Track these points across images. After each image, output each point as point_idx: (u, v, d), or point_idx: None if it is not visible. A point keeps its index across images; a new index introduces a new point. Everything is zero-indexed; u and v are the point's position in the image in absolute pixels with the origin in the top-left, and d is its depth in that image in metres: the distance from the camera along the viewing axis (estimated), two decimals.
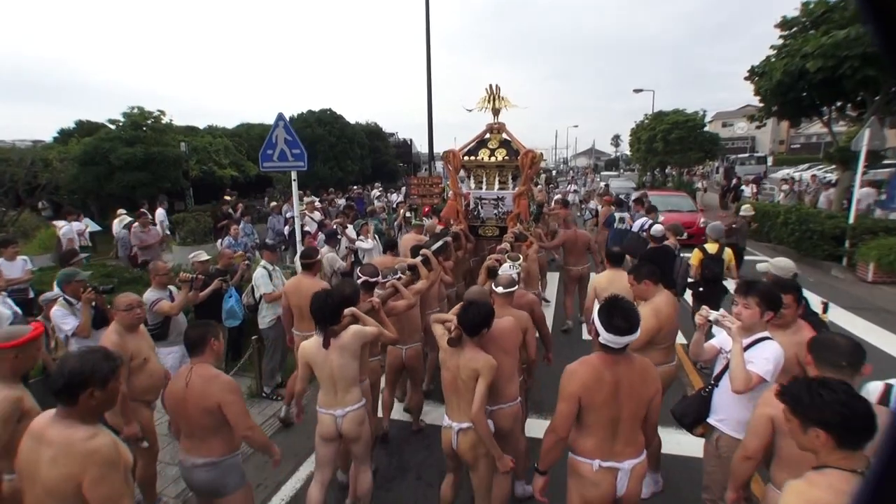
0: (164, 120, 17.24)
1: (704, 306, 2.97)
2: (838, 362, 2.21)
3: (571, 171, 53.54)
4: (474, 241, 6.79)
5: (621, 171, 45.07)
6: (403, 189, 16.59)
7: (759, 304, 2.67)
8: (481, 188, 6.93)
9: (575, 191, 23.58)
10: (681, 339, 4.53)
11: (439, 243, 5.18)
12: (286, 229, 10.42)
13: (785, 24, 12.52)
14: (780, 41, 12.55)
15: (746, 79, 13.55)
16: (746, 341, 2.64)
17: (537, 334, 3.78)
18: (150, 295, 4.28)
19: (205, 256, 5.45)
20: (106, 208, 15.31)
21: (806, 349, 2.39)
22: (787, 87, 11.82)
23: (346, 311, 3.18)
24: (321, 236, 8.16)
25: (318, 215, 10.72)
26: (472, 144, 7.03)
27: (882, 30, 0.55)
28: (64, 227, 8.79)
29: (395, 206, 12.20)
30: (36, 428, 1.96)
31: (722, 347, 2.90)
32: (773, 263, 4.41)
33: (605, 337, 2.35)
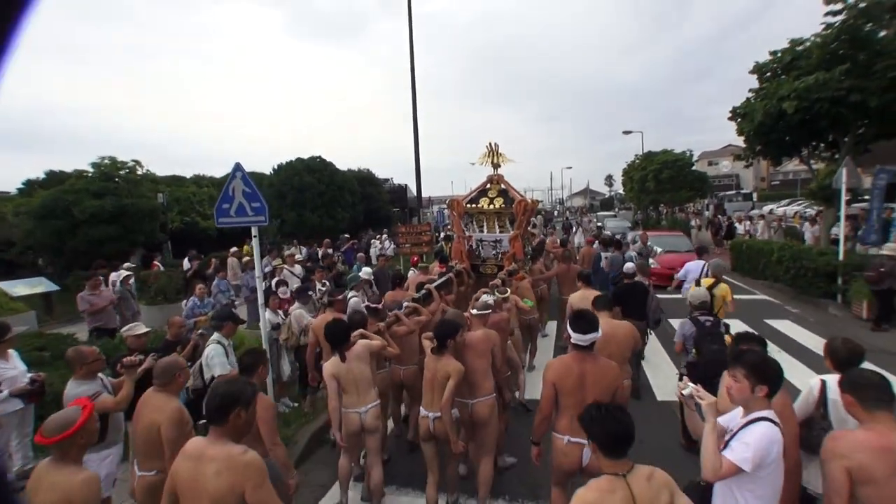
0: (141, 170, 16.64)
1: (685, 378, 2.56)
2: (884, 398, 2.25)
3: (567, 214, 53.92)
4: (475, 278, 7.56)
5: (617, 210, 45.54)
6: (381, 239, 16.07)
7: (747, 376, 2.29)
8: (482, 231, 7.99)
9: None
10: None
11: (442, 279, 6.25)
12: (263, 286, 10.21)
13: (758, 69, 12.87)
14: (758, 84, 12.87)
15: (730, 119, 13.83)
16: (742, 420, 2.29)
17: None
18: (74, 391, 3.50)
19: (141, 329, 4.61)
20: (72, 266, 14.44)
21: (841, 390, 2.41)
22: (769, 127, 12.04)
23: (355, 333, 3.96)
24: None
25: (299, 269, 10.45)
26: (473, 194, 8.15)
27: None
28: None
29: (376, 257, 11.90)
30: (193, 450, 2.28)
31: (728, 426, 2.40)
32: (689, 294, 5.00)
33: (574, 337, 3.13)
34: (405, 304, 4.99)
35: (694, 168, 26.35)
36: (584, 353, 3.16)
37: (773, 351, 7.37)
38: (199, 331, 5.61)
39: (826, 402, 2.90)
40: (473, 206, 8.06)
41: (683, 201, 26.89)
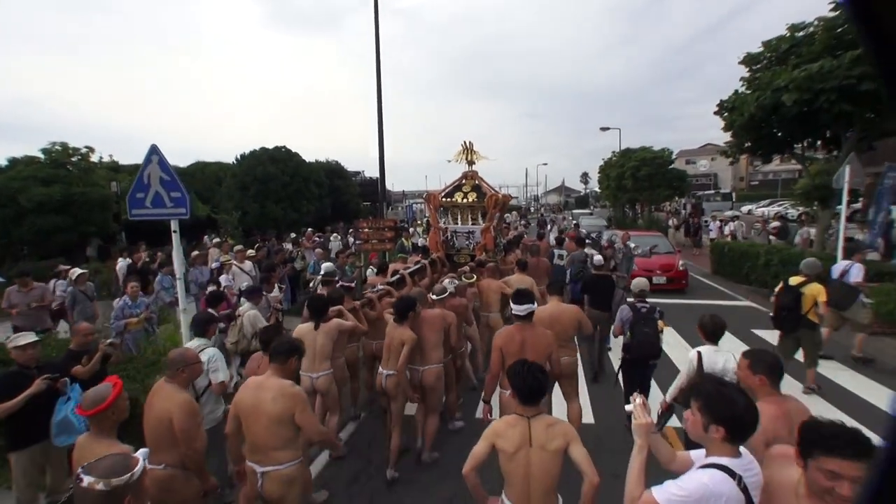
0: (95, 157, 15.54)
1: (635, 395, 2.24)
2: (780, 377, 2.63)
3: (542, 211, 53.84)
4: (449, 266, 8.03)
5: (592, 208, 45.11)
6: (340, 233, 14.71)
7: (700, 410, 1.93)
8: (457, 223, 8.54)
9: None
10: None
11: (415, 266, 6.95)
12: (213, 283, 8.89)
13: (750, 59, 12.05)
14: (748, 75, 12.07)
15: (716, 113, 12.98)
16: (699, 462, 1.97)
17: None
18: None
19: (25, 340, 3.80)
20: (16, 257, 13.53)
21: (753, 371, 2.63)
22: (761, 121, 11.19)
23: (333, 308, 4.58)
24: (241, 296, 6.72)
25: (249, 266, 9.21)
26: (449, 188, 8.64)
27: (879, 50, 0.54)
28: None
29: (334, 253, 10.63)
30: (253, 383, 3.03)
31: (695, 462, 2.07)
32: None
33: (515, 308, 3.85)
34: (379, 286, 5.73)
35: (673, 166, 25.75)
36: (525, 324, 3.87)
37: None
38: (109, 340, 4.61)
39: (702, 371, 3.55)
40: (449, 199, 8.54)
41: (662, 200, 26.25)
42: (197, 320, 4.31)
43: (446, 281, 5.42)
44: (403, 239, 12.25)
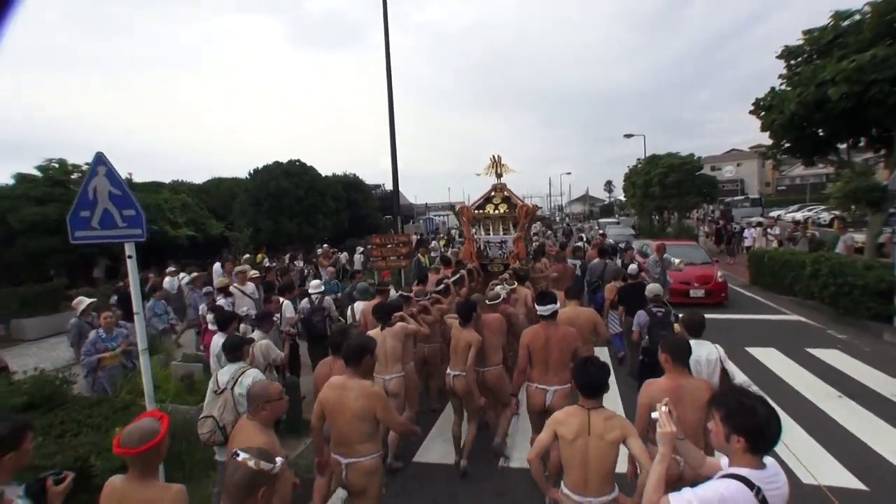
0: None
1: (665, 403, 2.15)
2: (684, 358, 3.21)
3: (567, 220, 53.25)
4: (483, 276, 8.29)
5: (617, 216, 44.01)
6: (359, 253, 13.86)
7: (722, 420, 1.89)
8: (489, 234, 8.94)
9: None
10: None
11: (455, 276, 7.03)
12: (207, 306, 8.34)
13: (788, 53, 11.15)
14: (786, 71, 11.18)
15: (751, 112, 12.06)
16: (720, 472, 1.94)
17: None
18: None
19: None
20: (8, 281, 12.89)
21: (661, 350, 3.24)
22: (802, 119, 10.26)
23: (396, 314, 4.87)
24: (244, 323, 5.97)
25: (251, 288, 8.63)
26: (480, 201, 9.08)
27: None
28: None
29: (350, 274, 9.99)
30: (336, 383, 3.25)
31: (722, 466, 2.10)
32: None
33: (540, 309, 4.17)
34: (430, 295, 5.97)
35: (700, 172, 24.67)
36: (549, 322, 4.13)
37: (833, 395, 6.37)
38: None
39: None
40: (481, 211, 9.01)
41: (691, 207, 25.13)
42: (228, 346, 4.08)
43: (498, 287, 5.74)
44: (420, 255, 11.62)
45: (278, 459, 1.97)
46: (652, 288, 5.78)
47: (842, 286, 9.90)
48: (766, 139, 12.96)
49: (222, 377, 3.86)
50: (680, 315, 5.10)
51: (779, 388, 6.61)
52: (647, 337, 5.25)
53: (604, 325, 5.26)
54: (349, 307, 6.91)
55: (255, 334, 5.19)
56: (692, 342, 3.80)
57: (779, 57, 11.24)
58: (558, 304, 4.26)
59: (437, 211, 50.49)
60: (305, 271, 12.49)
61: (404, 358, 4.79)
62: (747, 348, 8.43)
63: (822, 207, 31.19)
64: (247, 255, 14.28)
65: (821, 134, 11.10)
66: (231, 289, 8.39)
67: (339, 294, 9.20)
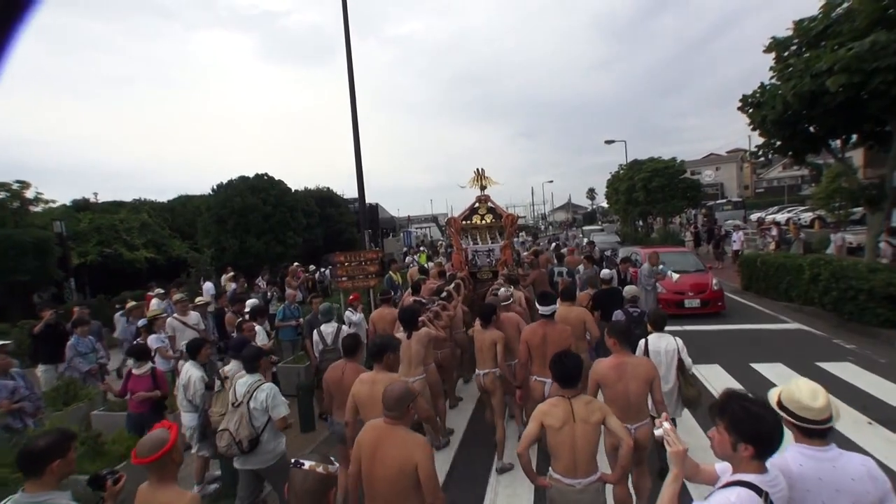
0: (30, 194, 13.51)
1: (664, 417, 2.22)
2: (629, 340, 3.88)
3: (551, 230, 53.78)
4: (473, 283, 8.58)
5: (601, 223, 43.91)
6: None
7: (728, 430, 1.85)
8: (477, 244, 9.17)
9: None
10: None
11: (453, 284, 7.17)
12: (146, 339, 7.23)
13: (776, 45, 10.52)
14: (775, 62, 10.54)
15: (739, 109, 11.38)
16: (723, 480, 1.95)
17: None
18: None
19: None
20: None
21: (608, 335, 3.87)
22: (796, 114, 9.59)
23: (420, 318, 5.13)
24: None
25: (195, 318, 7.57)
26: (466, 212, 9.44)
27: None
28: None
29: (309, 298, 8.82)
30: (367, 378, 3.60)
31: (720, 476, 2.07)
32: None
33: (541, 309, 4.65)
34: (437, 301, 6.17)
35: (684, 176, 24.21)
36: (547, 320, 4.66)
37: (861, 421, 5.59)
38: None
39: (649, 353, 4.48)
40: (468, 222, 9.34)
41: (676, 211, 24.64)
42: (247, 357, 4.04)
43: (502, 289, 6.14)
44: (391, 272, 10.63)
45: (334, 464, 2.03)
46: (630, 289, 6.30)
47: (845, 291, 9.22)
48: (743, 143, 12.51)
49: (239, 389, 3.86)
50: (647, 313, 5.71)
51: None
52: None
53: (594, 323, 5.52)
54: (314, 332, 6.19)
55: (232, 365, 4.52)
56: (652, 336, 4.63)
57: (766, 50, 10.60)
58: (557, 306, 4.85)
59: (419, 223, 49.50)
60: (269, 294, 11.38)
61: (426, 360, 5.05)
62: (752, 364, 7.67)
63: (803, 208, 31.24)
64: (229, 274, 13.17)
65: (810, 130, 10.48)
66: (170, 320, 7.36)
67: (300, 319, 8.19)
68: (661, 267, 8.67)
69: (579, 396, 2.99)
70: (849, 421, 5.42)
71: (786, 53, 10.28)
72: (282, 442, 3.92)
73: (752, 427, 1.81)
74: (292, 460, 1.99)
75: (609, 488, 3.27)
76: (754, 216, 34.12)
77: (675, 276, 9.35)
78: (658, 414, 3.20)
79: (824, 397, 2.00)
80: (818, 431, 1.99)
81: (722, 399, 1.97)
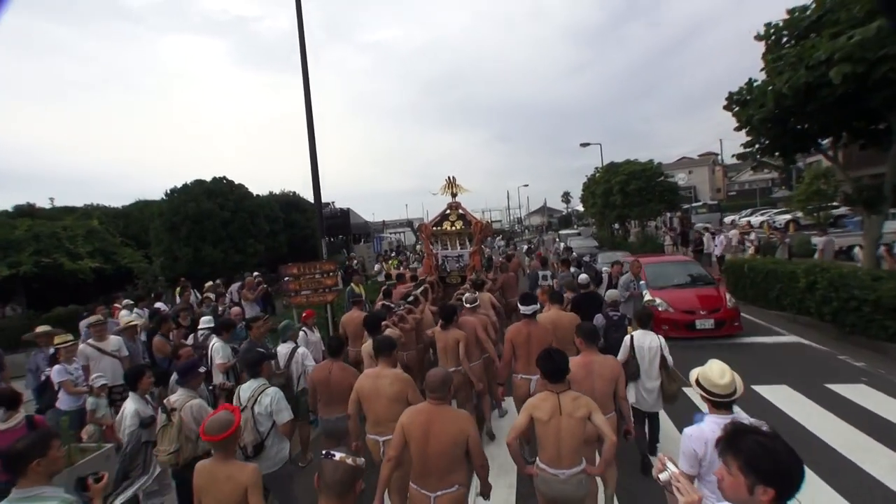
0: None
1: (665, 458, 1.90)
2: (595, 340, 4.06)
3: (527, 235, 53.94)
4: (441, 287, 8.98)
5: (576, 226, 43.62)
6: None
7: (743, 471, 1.60)
8: (447, 249, 9.54)
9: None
10: None
11: (421, 288, 7.39)
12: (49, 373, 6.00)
13: (769, 34, 9.89)
14: (765, 50, 9.91)
15: (725, 108, 10.70)
16: None
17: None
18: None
19: None
20: None
21: (576, 335, 4.16)
22: (787, 111, 8.91)
23: (384, 323, 5.31)
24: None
25: (114, 343, 6.37)
26: (437, 219, 9.73)
27: None
28: None
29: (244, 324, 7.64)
30: (372, 372, 3.79)
31: None
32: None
33: (522, 309, 4.90)
34: (403, 305, 6.37)
35: (662, 178, 23.74)
36: (529, 321, 4.85)
37: None
38: None
39: (634, 349, 4.74)
40: (438, 228, 9.54)
41: (655, 215, 24.11)
42: (249, 361, 4.13)
43: (467, 294, 6.29)
44: (354, 284, 9.55)
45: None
46: (611, 294, 6.31)
47: (847, 301, 8.50)
48: (715, 147, 11.89)
49: (244, 394, 3.89)
50: (628, 317, 6.26)
51: (813, 449, 5.01)
52: (602, 339, 5.46)
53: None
54: (274, 350, 5.70)
55: (179, 394, 4.01)
56: (637, 333, 4.83)
57: (758, 38, 9.93)
58: (538, 305, 5.12)
59: (394, 228, 48.36)
60: (221, 309, 10.10)
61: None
62: (753, 386, 6.78)
63: (775, 210, 31.26)
64: (209, 283, 11.78)
65: (798, 128, 9.85)
66: (83, 347, 6.17)
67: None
68: (641, 283, 7.90)
69: (567, 392, 3.14)
70: (885, 465, 4.62)
71: (784, 41, 9.58)
72: (285, 447, 3.93)
73: (771, 466, 1.59)
74: (323, 452, 2.11)
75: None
76: (728, 219, 34.15)
77: (658, 300, 8.55)
78: (623, 416, 3.89)
79: (730, 375, 2.60)
80: (724, 403, 2.60)
81: (729, 434, 1.72)
